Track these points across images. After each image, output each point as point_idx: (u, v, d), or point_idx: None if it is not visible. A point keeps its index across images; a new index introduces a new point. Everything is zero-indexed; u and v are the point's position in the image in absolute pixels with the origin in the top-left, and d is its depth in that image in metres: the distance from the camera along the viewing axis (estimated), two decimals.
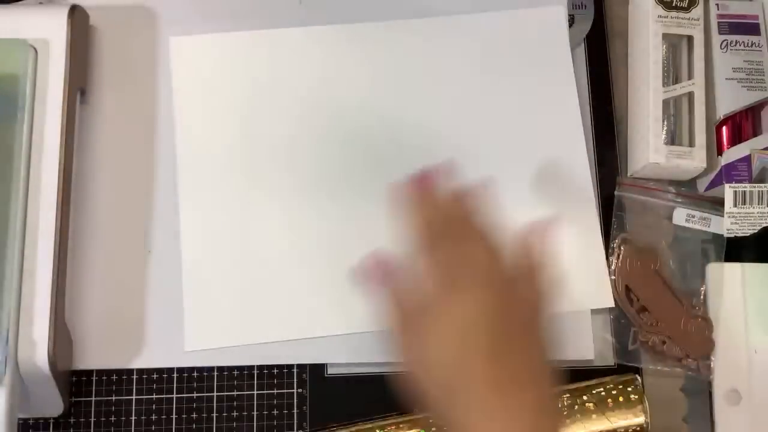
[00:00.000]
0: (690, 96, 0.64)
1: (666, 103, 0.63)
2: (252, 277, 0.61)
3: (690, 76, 0.64)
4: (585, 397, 0.58)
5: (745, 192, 0.61)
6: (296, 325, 0.60)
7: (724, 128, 0.64)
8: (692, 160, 0.62)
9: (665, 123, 0.63)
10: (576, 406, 0.58)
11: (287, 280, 0.61)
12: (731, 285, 0.62)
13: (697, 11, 0.64)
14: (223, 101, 0.64)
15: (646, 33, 0.64)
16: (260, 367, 0.61)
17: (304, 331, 0.60)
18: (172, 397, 0.60)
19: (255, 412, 0.60)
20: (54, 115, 0.57)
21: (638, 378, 0.59)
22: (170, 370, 0.60)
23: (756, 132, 0.64)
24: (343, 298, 0.61)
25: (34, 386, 0.55)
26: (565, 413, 0.57)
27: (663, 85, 0.63)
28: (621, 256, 0.63)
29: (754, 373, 0.61)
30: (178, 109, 0.64)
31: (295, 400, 0.60)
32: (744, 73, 0.64)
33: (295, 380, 0.60)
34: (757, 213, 0.61)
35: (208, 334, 0.60)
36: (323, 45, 0.66)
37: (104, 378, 0.60)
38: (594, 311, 0.62)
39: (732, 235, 0.62)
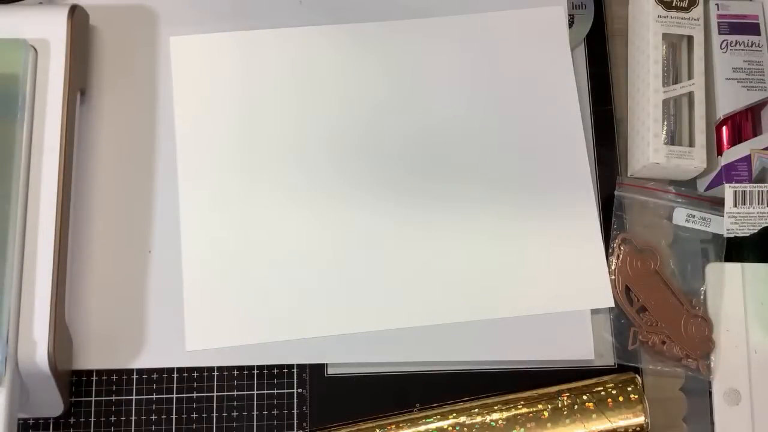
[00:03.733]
0: (690, 96, 0.64)
1: (666, 103, 0.63)
2: (252, 276, 0.61)
3: (690, 76, 0.64)
4: (585, 397, 0.58)
5: (745, 192, 0.61)
6: (297, 325, 0.60)
7: (724, 128, 0.64)
8: (692, 160, 0.62)
9: (665, 123, 0.63)
10: (576, 406, 0.58)
11: (287, 279, 0.61)
12: (731, 285, 0.62)
13: (697, 11, 0.64)
14: (223, 100, 0.64)
15: (646, 33, 0.64)
16: (260, 367, 0.61)
17: (304, 331, 0.60)
18: (172, 397, 0.60)
19: (255, 412, 0.60)
20: (54, 115, 0.57)
21: (638, 378, 0.59)
22: (170, 370, 0.60)
23: (756, 132, 0.64)
24: (343, 298, 0.61)
25: (34, 386, 0.55)
26: (565, 413, 0.58)
27: (663, 85, 0.63)
28: (621, 256, 0.63)
29: (754, 373, 0.61)
30: (178, 108, 0.64)
31: (295, 400, 0.60)
32: (744, 73, 0.64)
33: (295, 380, 0.60)
34: (757, 213, 0.61)
35: (209, 334, 0.60)
36: (324, 45, 0.66)
37: (104, 378, 0.60)
38: (594, 311, 0.62)
39: (732, 235, 0.62)
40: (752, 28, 0.65)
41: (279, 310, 0.61)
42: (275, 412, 0.60)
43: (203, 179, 0.63)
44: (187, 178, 0.63)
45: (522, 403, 0.58)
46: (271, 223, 0.62)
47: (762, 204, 0.61)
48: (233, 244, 0.62)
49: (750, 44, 0.65)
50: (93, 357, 0.60)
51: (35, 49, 0.58)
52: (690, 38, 0.64)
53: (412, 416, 0.58)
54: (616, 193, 0.64)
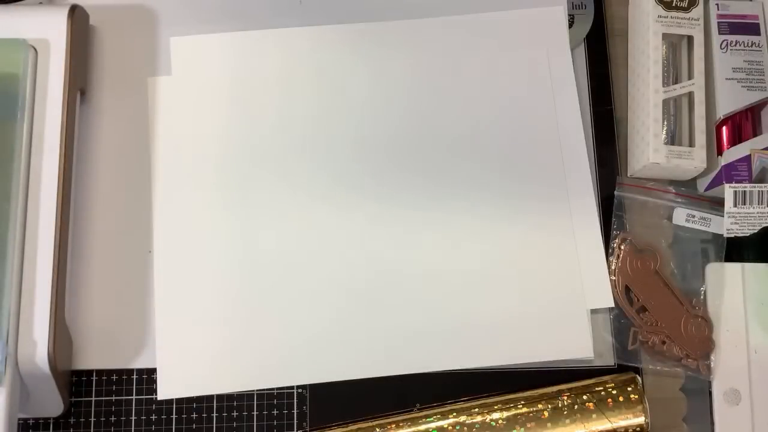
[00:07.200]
0: (690, 96, 0.64)
1: (666, 103, 0.63)
2: (231, 321, 0.60)
3: (690, 76, 0.64)
4: (585, 397, 0.58)
5: (745, 192, 0.61)
6: (277, 373, 0.59)
7: (724, 128, 0.64)
8: (692, 160, 0.62)
9: (665, 123, 0.63)
10: (576, 406, 0.58)
11: (271, 322, 0.60)
12: (731, 285, 0.62)
13: (697, 11, 0.65)
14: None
15: (646, 33, 0.64)
16: None
17: (287, 379, 0.59)
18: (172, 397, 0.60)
19: (255, 412, 0.60)
20: (54, 115, 0.57)
21: (638, 378, 0.59)
22: None
23: (756, 132, 0.64)
24: (327, 345, 0.60)
25: (34, 386, 0.55)
26: (565, 413, 0.58)
27: (663, 85, 0.63)
28: (621, 256, 0.63)
29: (754, 373, 0.61)
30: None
31: (295, 400, 0.60)
32: (744, 73, 0.64)
33: None
34: (757, 213, 0.61)
35: (183, 382, 0.59)
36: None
37: (104, 378, 0.60)
38: (594, 311, 0.62)
39: (732, 235, 0.62)
40: (752, 28, 0.65)
41: (257, 356, 0.59)
42: (275, 412, 0.60)
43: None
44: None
45: (522, 402, 0.58)
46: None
47: (762, 204, 0.61)
48: (210, 282, 0.61)
49: (750, 44, 0.65)
50: (93, 357, 0.60)
51: (35, 49, 0.58)
52: (690, 38, 0.64)
53: (412, 416, 0.58)
54: (616, 193, 0.64)
